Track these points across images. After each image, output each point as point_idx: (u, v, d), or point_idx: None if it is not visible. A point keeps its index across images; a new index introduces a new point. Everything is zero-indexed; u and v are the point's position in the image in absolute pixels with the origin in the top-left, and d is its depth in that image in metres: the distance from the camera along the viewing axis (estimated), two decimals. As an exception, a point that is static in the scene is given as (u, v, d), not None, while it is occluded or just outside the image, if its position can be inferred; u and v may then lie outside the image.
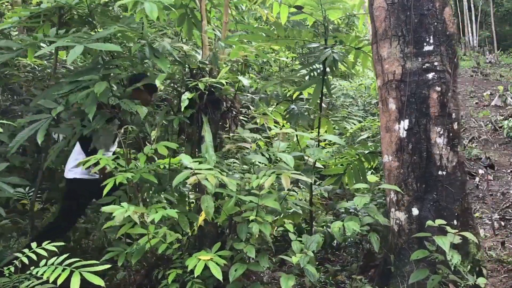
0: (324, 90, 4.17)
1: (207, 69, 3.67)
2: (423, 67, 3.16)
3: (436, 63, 3.15)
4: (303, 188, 4.55)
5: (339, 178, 4.34)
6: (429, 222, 2.87)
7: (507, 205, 5.56)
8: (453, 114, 3.17)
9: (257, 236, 2.80)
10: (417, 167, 3.13)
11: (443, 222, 2.83)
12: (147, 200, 3.40)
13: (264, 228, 2.78)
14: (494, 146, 8.42)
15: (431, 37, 3.17)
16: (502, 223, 4.98)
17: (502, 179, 6.74)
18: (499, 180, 6.68)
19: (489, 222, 4.79)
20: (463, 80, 16.81)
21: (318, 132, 4.11)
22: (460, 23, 40.32)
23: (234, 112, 3.73)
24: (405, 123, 3.18)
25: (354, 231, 2.88)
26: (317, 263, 3.80)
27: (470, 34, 37.02)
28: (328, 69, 4.14)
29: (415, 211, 3.15)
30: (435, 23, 3.20)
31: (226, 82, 3.46)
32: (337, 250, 4.27)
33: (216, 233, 3.50)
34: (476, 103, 12.15)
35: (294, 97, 4.62)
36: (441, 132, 3.11)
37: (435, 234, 2.84)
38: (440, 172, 3.12)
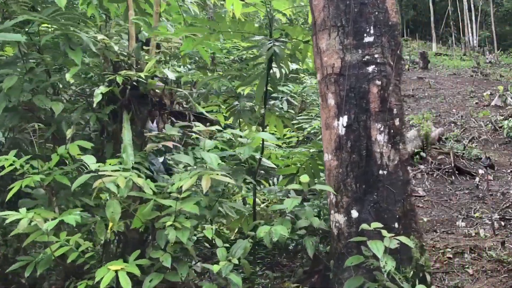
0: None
1: (130, 61, 3.37)
2: (363, 59, 2.94)
3: (376, 55, 2.93)
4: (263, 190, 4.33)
5: (293, 178, 4.05)
6: (363, 226, 2.69)
7: (507, 205, 5.56)
8: (395, 109, 2.96)
9: (173, 243, 2.55)
10: (356, 166, 2.91)
11: (380, 225, 2.64)
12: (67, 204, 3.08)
13: (182, 235, 2.53)
14: (494, 146, 8.42)
15: (372, 28, 2.94)
16: (502, 223, 4.98)
17: (502, 179, 6.74)
18: (499, 180, 6.69)
19: (489, 222, 4.79)
20: (463, 80, 16.82)
21: (263, 130, 3.80)
22: (460, 23, 40.35)
23: (163, 109, 3.43)
24: (344, 120, 2.95)
25: (283, 236, 2.68)
26: (263, 268, 3.71)
27: (470, 34, 37.03)
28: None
29: (354, 214, 2.92)
30: (376, 13, 2.96)
31: (155, 75, 3.22)
32: (295, 254, 4.02)
33: (141, 240, 3.20)
34: (476, 103, 12.15)
35: (245, 92, 4.30)
36: (382, 129, 2.90)
37: (374, 238, 2.64)
38: (381, 172, 2.90)
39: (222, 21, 3.72)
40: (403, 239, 2.59)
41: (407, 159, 2.96)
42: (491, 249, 4.04)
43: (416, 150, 7.34)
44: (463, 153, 7.66)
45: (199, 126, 3.19)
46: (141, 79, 3.13)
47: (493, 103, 11.63)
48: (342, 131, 2.97)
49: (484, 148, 8.30)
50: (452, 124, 9.83)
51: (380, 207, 2.89)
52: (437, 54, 29.11)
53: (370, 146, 2.91)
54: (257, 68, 4.01)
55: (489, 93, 12.82)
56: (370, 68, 2.93)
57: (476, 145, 8.29)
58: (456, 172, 6.73)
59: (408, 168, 2.95)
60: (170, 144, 3.09)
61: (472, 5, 38.57)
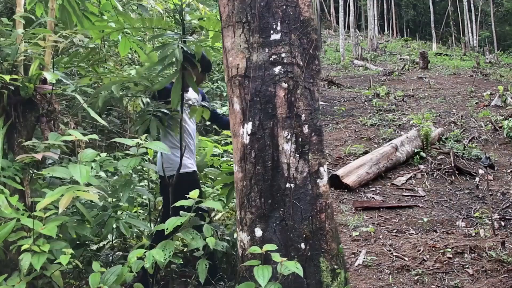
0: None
1: (16, 63, 3.01)
2: (270, 59, 2.63)
3: (283, 55, 2.63)
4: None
5: (232, 188, 3.62)
6: (253, 249, 2.43)
7: (507, 205, 5.56)
8: (303, 115, 2.63)
9: (25, 270, 2.24)
10: (261, 179, 2.61)
11: (274, 247, 2.39)
12: None
13: (37, 260, 2.24)
14: (494, 146, 8.42)
15: (279, 24, 2.63)
16: (502, 223, 4.98)
17: (502, 179, 6.74)
18: (499, 180, 6.69)
19: (489, 222, 4.79)
20: (463, 80, 16.83)
21: (181, 139, 3.48)
22: (460, 23, 40.31)
23: (51, 115, 3.13)
24: (248, 127, 2.65)
25: (162, 262, 2.41)
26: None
27: (470, 34, 37.03)
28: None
29: (258, 232, 2.62)
30: (284, 7, 2.65)
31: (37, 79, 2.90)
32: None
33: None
34: (476, 103, 12.15)
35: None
36: (289, 137, 2.61)
37: (275, 261, 2.37)
38: (288, 185, 2.60)
39: (126, 17, 3.36)
40: (290, 264, 2.30)
41: (316, 171, 2.63)
42: (491, 249, 4.04)
43: (416, 150, 7.34)
44: (463, 153, 7.67)
45: (71, 135, 2.75)
46: (25, 84, 2.81)
47: (493, 103, 11.63)
48: (246, 139, 2.66)
49: (484, 148, 8.30)
50: (452, 124, 9.83)
51: (286, 225, 2.58)
52: (437, 54, 29.11)
53: (277, 156, 2.61)
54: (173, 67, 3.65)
55: (489, 93, 12.82)
56: (277, 69, 2.63)
57: (476, 145, 8.29)
58: (456, 172, 6.73)
59: (318, 181, 2.61)
60: (51, 155, 2.77)
61: (472, 5, 38.54)
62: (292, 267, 2.27)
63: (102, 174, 3.41)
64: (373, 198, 5.93)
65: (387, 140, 8.12)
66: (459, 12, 42.49)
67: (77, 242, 2.98)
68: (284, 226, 2.59)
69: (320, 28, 36.37)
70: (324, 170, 2.64)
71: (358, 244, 4.42)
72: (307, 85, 2.66)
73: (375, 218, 5.18)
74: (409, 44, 36.75)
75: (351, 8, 31.50)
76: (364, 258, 3.99)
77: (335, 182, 6.16)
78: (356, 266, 3.87)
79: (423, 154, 7.35)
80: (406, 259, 3.99)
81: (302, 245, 2.57)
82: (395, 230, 4.81)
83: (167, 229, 2.55)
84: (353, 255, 4.12)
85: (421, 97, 13.25)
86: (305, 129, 2.65)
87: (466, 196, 6.02)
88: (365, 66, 22.48)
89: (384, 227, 4.89)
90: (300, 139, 2.63)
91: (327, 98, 13.09)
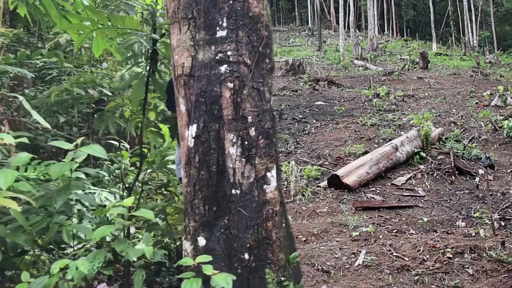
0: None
1: None
2: (216, 57, 2.50)
3: (229, 53, 2.49)
4: None
5: None
6: (184, 260, 2.28)
7: (507, 205, 5.56)
8: (249, 117, 2.48)
9: None
10: (205, 185, 2.47)
11: (208, 259, 2.25)
12: None
13: None
14: (494, 146, 8.42)
15: (225, 20, 2.49)
16: (502, 223, 4.98)
17: (502, 179, 6.74)
18: (499, 180, 6.68)
19: (489, 222, 4.79)
20: (463, 80, 16.83)
21: (141, 143, 3.25)
22: (460, 23, 40.30)
23: None
24: (193, 129, 2.52)
25: (89, 273, 2.22)
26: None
27: (470, 34, 37.03)
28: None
29: (201, 241, 2.47)
30: (231, 2, 2.52)
31: None
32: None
33: None
34: (476, 103, 12.15)
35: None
36: (234, 140, 2.46)
37: (221, 271, 2.26)
38: (233, 191, 2.45)
39: (98, 15, 3.19)
40: (219, 278, 2.12)
41: (263, 176, 2.47)
42: (491, 249, 4.04)
43: (416, 150, 7.34)
44: (463, 153, 7.66)
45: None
46: None
47: (493, 103, 11.63)
48: (191, 142, 2.52)
49: (484, 148, 8.30)
50: (452, 124, 9.83)
51: (230, 233, 2.44)
52: (437, 54, 29.10)
53: (223, 160, 2.47)
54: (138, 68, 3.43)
55: (489, 93, 12.82)
56: (223, 68, 2.49)
57: (476, 145, 8.29)
58: (456, 172, 6.73)
59: (265, 187, 2.45)
60: None
61: (472, 5, 38.54)
62: (221, 281, 2.07)
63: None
64: (373, 198, 5.93)
65: (387, 140, 8.11)
66: (459, 12, 42.48)
67: (20, 250, 2.76)
68: (228, 235, 2.44)
69: (320, 28, 36.38)
70: (272, 176, 2.48)
71: (358, 244, 4.42)
72: (256, 85, 2.52)
73: (375, 218, 5.18)
74: (409, 44, 36.74)
75: (351, 8, 31.49)
76: (364, 258, 3.99)
77: (335, 182, 6.15)
78: (356, 266, 3.87)
79: (423, 154, 7.35)
80: (406, 259, 3.99)
81: (246, 256, 2.42)
82: (395, 230, 4.81)
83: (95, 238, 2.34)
84: (353, 255, 4.12)
85: (421, 97, 13.25)
86: (252, 132, 2.50)
87: (466, 196, 6.02)
88: (365, 66, 22.48)
89: (384, 227, 4.89)
90: (246, 142, 2.48)
91: (327, 98, 13.09)
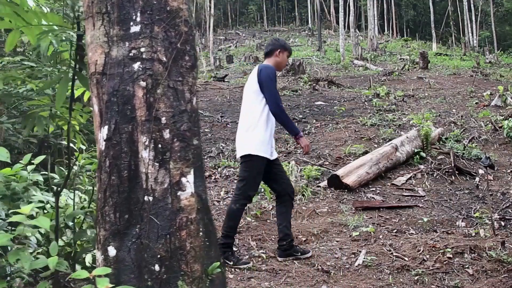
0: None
1: None
2: (130, 54, 2.36)
3: (143, 49, 2.36)
4: None
5: None
6: (77, 273, 1.95)
7: (507, 205, 5.56)
8: (163, 118, 2.33)
9: None
10: (116, 191, 2.32)
11: (106, 271, 2.04)
12: None
13: None
14: (494, 146, 8.42)
15: (139, 14, 2.36)
16: (502, 223, 4.98)
17: (502, 179, 6.74)
18: (499, 180, 6.68)
19: (489, 222, 4.79)
20: (463, 80, 16.83)
21: (68, 147, 3.14)
22: (460, 23, 40.30)
23: None
24: (104, 131, 2.37)
25: None
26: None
27: (470, 34, 37.03)
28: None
29: (111, 251, 2.31)
30: None
31: None
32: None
33: None
34: (476, 103, 12.15)
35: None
36: (147, 143, 2.32)
37: (132, 284, 2.14)
38: (146, 198, 2.31)
39: (21, 12, 2.97)
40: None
41: (177, 181, 2.32)
42: (491, 249, 4.04)
43: (416, 150, 7.34)
44: (463, 153, 7.67)
45: None
46: None
47: (493, 103, 11.63)
48: (102, 145, 2.37)
49: (484, 148, 8.30)
50: (452, 124, 9.83)
51: (142, 243, 2.30)
52: (437, 54, 29.11)
53: (136, 165, 2.32)
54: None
55: (489, 93, 12.82)
56: (136, 66, 2.34)
57: (476, 145, 8.29)
58: (456, 172, 6.73)
59: (180, 193, 2.33)
60: None
61: (472, 5, 38.53)
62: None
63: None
64: (373, 198, 5.93)
65: (387, 140, 8.12)
66: (459, 12, 42.47)
67: None
68: (139, 244, 2.29)
69: (320, 28, 36.37)
70: (188, 181, 2.32)
71: (358, 244, 4.42)
72: (174, 84, 2.37)
73: (375, 218, 5.18)
74: (409, 44, 36.75)
75: (351, 8, 31.49)
76: (364, 258, 3.99)
77: (335, 182, 6.16)
78: (356, 266, 3.87)
79: (423, 154, 7.35)
80: (406, 259, 3.99)
81: (157, 267, 2.26)
82: (395, 230, 4.81)
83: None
84: (353, 255, 4.12)
85: (421, 97, 13.25)
86: (166, 134, 2.34)
87: (466, 196, 6.02)
88: (365, 66, 22.48)
89: (384, 227, 4.89)
90: (160, 145, 2.32)
91: (327, 98, 13.09)
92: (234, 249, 4.17)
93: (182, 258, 2.31)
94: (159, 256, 2.27)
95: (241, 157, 3.96)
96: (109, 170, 2.32)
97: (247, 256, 4.07)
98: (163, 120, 2.32)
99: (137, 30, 2.33)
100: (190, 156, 2.35)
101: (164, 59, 2.36)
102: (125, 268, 2.23)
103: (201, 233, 2.37)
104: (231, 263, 3.85)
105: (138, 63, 2.33)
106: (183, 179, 2.34)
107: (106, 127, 2.34)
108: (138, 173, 2.30)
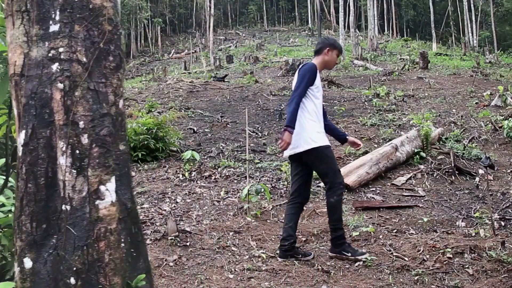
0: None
1: None
2: (49, 55, 2.24)
3: (61, 50, 2.24)
4: None
5: None
6: None
7: (507, 205, 5.56)
8: (81, 122, 2.21)
9: None
10: (33, 200, 2.20)
11: (10, 286, 2.00)
12: None
13: None
14: (494, 146, 8.42)
15: (58, 12, 2.25)
16: (502, 223, 4.98)
17: (502, 179, 6.74)
18: (499, 180, 6.68)
19: (489, 222, 4.79)
20: (463, 80, 16.83)
21: (6, 150, 3.02)
22: (460, 23, 40.29)
23: None
24: (21, 136, 2.24)
25: None
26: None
27: (470, 34, 37.04)
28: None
29: (28, 263, 2.19)
30: None
31: None
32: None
33: None
34: (476, 103, 12.15)
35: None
36: (64, 149, 2.19)
37: None
38: (64, 207, 2.20)
39: None
40: None
41: (96, 190, 2.20)
42: (491, 249, 4.03)
43: (416, 150, 7.34)
44: (463, 153, 7.66)
45: None
46: None
47: (493, 103, 11.63)
48: (20, 151, 2.24)
49: (484, 148, 8.30)
50: (452, 124, 9.82)
51: (58, 255, 2.17)
52: (437, 54, 29.11)
53: (54, 172, 2.20)
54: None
55: (489, 93, 12.82)
56: (55, 67, 2.23)
57: (476, 145, 8.29)
58: (456, 172, 6.73)
59: (98, 202, 2.21)
60: None
61: (472, 5, 38.52)
62: None
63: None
64: (373, 198, 5.93)
65: (387, 140, 8.12)
66: (459, 12, 42.48)
67: None
68: (56, 256, 2.17)
69: (320, 28, 36.35)
70: (107, 189, 2.21)
71: (358, 244, 4.42)
72: (95, 85, 2.24)
73: (375, 218, 5.18)
74: (409, 44, 36.74)
75: (351, 8, 31.49)
76: (364, 258, 3.99)
77: (335, 182, 6.15)
78: (356, 266, 3.87)
79: (423, 154, 7.35)
80: (406, 259, 3.99)
81: (72, 280, 2.14)
82: (395, 230, 4.81)
83: None
84: (353, 255, 4.12)
85: (421, 97, 13.25)
86: (84, 140, 2.21)
87: (466, 196, 6.02)
88: (365, 66, 22.48)
89: (384, 227, 4.89)
90: (77, 151, 2.20)
91: (327, 98, 13.08)
92: (234, 249, 4.17)
93: (101, 270, 2.20)
94: (75, 268, 2.16)
95: (305, 154, 3.97)
96: (26, 177, 2.20)
97: (247, 256, 4.07)
98: (81, 124, 2.21)
99: (56, 30, 2.23)
100: (111, 163, 2.23)
101: (85, 59, 2.25)
102: (40, 281, 2.11)
103: (122, 244, 2.24)
104: (349, 254, 3.94)
105: (57, 64, 2.22)
106: (102, 187, 2.22)
107: (24, 131, 2.22)
108: (56, 181, 2.19)
